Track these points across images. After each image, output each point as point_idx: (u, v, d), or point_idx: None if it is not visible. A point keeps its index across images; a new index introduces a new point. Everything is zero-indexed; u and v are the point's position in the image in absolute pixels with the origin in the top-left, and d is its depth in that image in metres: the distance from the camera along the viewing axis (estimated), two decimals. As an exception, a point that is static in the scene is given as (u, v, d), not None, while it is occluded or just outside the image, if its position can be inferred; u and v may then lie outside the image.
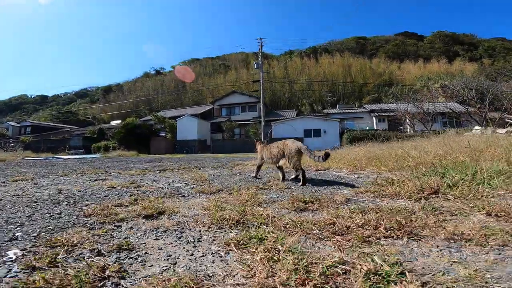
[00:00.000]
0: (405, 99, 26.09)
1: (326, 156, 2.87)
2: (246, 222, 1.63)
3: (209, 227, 1.58)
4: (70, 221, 1.73)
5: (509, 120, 13.33)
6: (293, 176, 3.40)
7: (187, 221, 1.69)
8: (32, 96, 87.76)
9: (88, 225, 1.62)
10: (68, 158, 12.42)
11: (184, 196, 2.59)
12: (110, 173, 4.96)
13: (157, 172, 5.15)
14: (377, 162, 4.45)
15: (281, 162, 3.42)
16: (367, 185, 2.81)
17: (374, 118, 29.32)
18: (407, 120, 24.37)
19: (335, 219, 1.57)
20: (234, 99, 34.74)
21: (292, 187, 2.95)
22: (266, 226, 1.54)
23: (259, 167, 3.90)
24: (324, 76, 48.36)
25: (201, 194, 2.68)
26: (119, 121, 38.41)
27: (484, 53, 57.20)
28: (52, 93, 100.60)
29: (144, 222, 1.69)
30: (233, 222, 1.61)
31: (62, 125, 47.01)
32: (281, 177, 3.51)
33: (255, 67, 27.20)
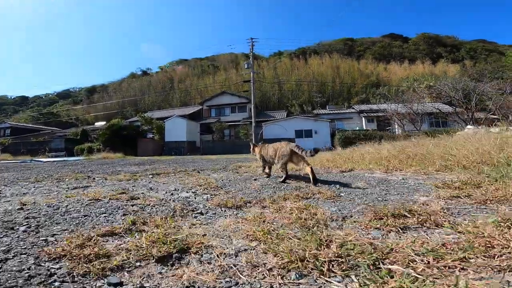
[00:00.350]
0: (394, 100, 26.12)
1: (315, 151, 3.12)
2: (342, 261, 0.93)
3: (282, 277, 0.87)
4: (23, 269, 0.94)
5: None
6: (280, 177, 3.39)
7: (237, 267, 0.96)
8: (12, 97, 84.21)
9: (55, 284, 0.85)
10: (47, 161, 11.33)
11: (201, 213, 1.81)
12: (94, 178, 4.11)
13: (151, 176, 4.36)
14: (411, 161, 3.85)
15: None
16: (442, 189, 2.16)
17: (363, 118, 29.26)
18: (397, 121, 24.31)
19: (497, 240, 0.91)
20: (223, 100, 33.86)
21: (342, 195, 2.23)
22: (383, 264, 0.86)
23: (269, 168, 3.81)
24: (313, 77, 48.30)
25: (223, 209, 1.91)
26: (103, 123, 36.70)
27: (466, 55, 59.03)
28: (33, 93, 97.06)
29: (161, 273, 0.92)
30: (320, 262, 0.91)
31: (44, 127, 44.54)
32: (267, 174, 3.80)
33: (246, 67, 26.62)
